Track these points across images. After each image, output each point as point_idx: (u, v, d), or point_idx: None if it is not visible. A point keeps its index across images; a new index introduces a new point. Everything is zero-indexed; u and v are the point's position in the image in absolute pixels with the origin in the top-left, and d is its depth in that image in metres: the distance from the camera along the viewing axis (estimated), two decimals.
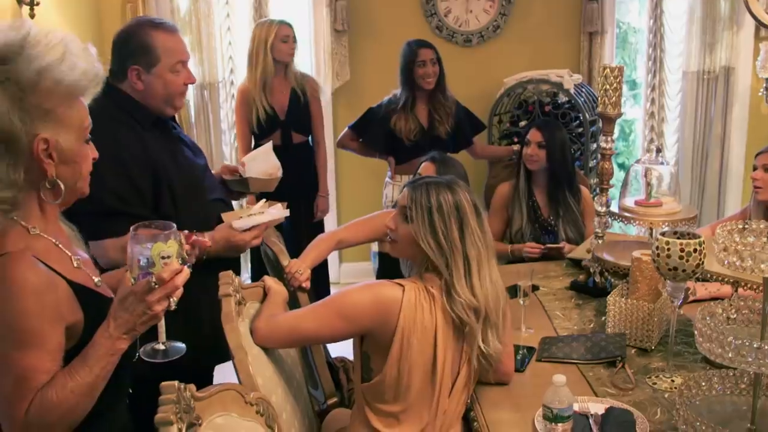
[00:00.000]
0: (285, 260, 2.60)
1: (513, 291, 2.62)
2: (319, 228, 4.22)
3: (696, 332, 1.78)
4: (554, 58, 5.03)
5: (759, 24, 2.03)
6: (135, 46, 2.28)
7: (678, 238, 2.05)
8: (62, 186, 1.50)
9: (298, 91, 4.02)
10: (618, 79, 2.66)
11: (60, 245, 1.55)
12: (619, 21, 6.03)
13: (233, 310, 1.98)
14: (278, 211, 2.48)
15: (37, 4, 3.32)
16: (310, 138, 4.17)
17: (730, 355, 1.67)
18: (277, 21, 4.03)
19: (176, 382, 1.40)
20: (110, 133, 2.14)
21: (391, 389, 1.96)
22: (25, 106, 1.41)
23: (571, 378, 2.22)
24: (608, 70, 2.66)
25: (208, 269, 2.08)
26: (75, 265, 1.57)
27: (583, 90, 4.84)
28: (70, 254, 1.58)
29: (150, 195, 2.28)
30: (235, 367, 1.91)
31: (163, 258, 1.43)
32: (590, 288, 2.85)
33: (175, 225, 1.50)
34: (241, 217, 2.39)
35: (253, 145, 4.07)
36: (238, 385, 1.64)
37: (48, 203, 1.51)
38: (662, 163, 2.76)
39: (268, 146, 2.93)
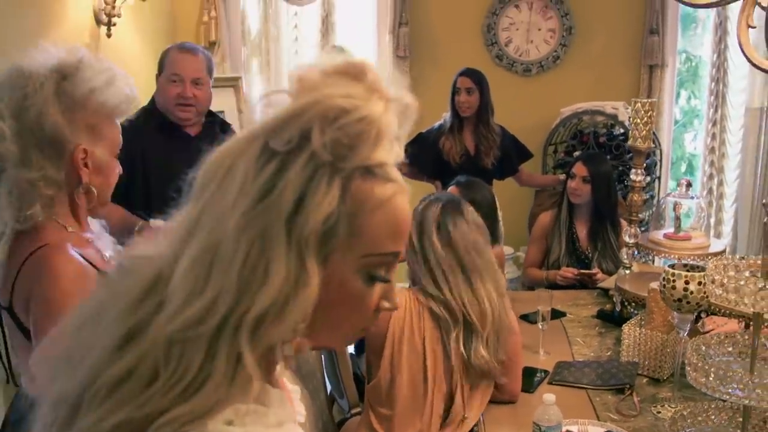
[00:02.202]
0: None
1: (534, 316, 2.70)
2: None
3: (686, 361, 1.83)
4: (613, 89, 5.02)
5: (753, 66, 2.06)
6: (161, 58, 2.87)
7: (688, 271, 2.09)
8: (95, 192, 1.69)
9: None
10: (649, 114, 2.71)
11: (91, 241, 1.75)
12: (691, 54, 6.00)
13: None
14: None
15: (114, 24, 3.59)
16: None
17: (713, 384, 1.72)
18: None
19: None
20: None
21: (385, 391, 2.08)
22: (75, 119, 1.62)
23: (578, 402, 2.29)
24: (639, 104, 2.72)
25: None
26: (106, 259, 1.78)
27: None
28: (101, 249, 1.79)
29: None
30: None
31: None
32: (615, 317, 2.88)
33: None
34: None
35: None
36: None
37: (80, 207, 1.70)
38: (692, 197, 2.79)
39: None
